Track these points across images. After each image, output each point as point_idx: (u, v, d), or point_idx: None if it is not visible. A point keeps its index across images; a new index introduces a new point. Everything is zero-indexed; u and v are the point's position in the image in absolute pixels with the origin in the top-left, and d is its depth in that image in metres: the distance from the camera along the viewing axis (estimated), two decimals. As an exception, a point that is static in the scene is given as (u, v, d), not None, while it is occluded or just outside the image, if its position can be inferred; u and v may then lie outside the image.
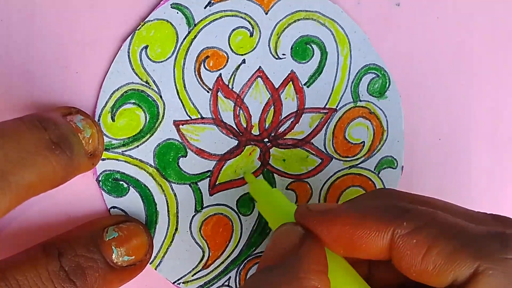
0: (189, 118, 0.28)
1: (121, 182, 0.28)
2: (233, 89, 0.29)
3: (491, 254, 0.19)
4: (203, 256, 0.29)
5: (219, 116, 0.29)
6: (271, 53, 0.29)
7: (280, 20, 0.29)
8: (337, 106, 0.30)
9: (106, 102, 0.27)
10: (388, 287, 0.24)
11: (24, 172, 0.22)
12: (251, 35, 0.29)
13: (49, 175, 0.23)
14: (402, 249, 0.20)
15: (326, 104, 0.30)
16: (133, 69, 0.27)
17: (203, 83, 0.28)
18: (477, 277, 0.19)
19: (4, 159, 0.22)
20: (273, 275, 0.21)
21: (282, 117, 0.29)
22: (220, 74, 0.28)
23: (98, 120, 0.27)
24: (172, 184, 0.28)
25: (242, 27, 0.28)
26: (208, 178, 0.29)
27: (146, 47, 0.27)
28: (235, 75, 0.29)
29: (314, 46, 0.29)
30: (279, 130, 0.29)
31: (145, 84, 0.28)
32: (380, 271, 0.24)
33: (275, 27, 0.29)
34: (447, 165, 0.32)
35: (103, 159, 0.27)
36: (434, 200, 0.23)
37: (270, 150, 0.29)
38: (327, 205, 0.23)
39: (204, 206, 0.29)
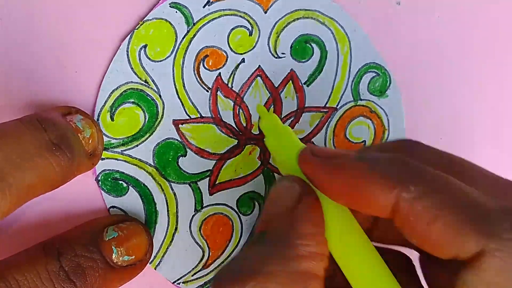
0: (188, 118, 0.28)
1: (120, 182, 0.28)
2: (233, 88, 0.29)
3: (500, 233, 0.17)
4: (203, 255, 0.29)
5: (218, 115, 0.29)
6: (270, 52, 0.29)
7: (280, 19, 0.29)
8: (337, 105, 0.30)
9: (105, 101, 0.27)
10: (391, 242, 0.22)
11: (24, 174, 0.22)
12: (250, 34, 0.28)
13: (49, 176, 0.23)
14: (406, 213, 0.18)
15: (326, 103, 0.30)
16: (132, 68, 0.27)
17: (203, 82, 0.28)
18: (482, 257, 0.17)
19: (4, 161, 0.22)
20: (266, 244, 0.19)
21: (282, 116, 0.29)
22: (220, 73, 0.28)
23: (97, 119, 0.27)
24: (171, 183, 0.28)
25: (241, 26, 0.28)
26: (208, 178, 0.29)
27: (145, 46, 0.27)
28: (234, 74, 0.29)
29: (313, 45, 0.29)
30: (279, 129, 0.29)
31: (144, 83, 0.27)
32: (384, 226, 0.22)
33: (274, 26, 0.29)
34: (448, 164, 0.32)
35: (102, 159, 0.27)
36: (459, 160, 0.21)
37: (270, 149, 0.29)
38: (333, 151, 0.21)
39: (204, 205, 0.29)
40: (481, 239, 0.17)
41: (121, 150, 0.28)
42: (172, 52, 0.28)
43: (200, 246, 0.29)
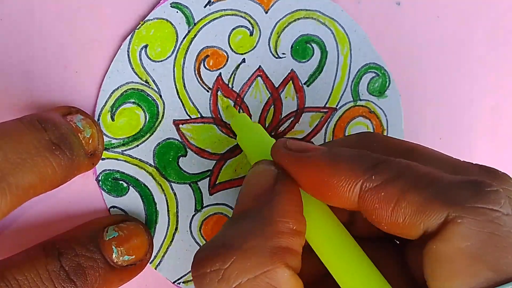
0: (189, 118, 0.28)
1: (120, 182, 0.28)
2: (233, 89, 0.29)
3: (461, 202, 0.18)
4: (203, 255, 0.29)
5: (219, 116, 0.29)
6: (271, 52, 0.29)
7: (280, 19, 0.29)
8: (337, 105, 0.30)
9: (106, 102, 0.27)
10: (372, 234, 0.23)
11: (24, 173, 0.22)
12: (251, 34, 0.28)
13: (49, 176, 0.23)
14: (370, 202, 0.19)
15: (326, 103, 0.30)
16: (132, 68, 0.27)
17: (203, 82, 0.28)
18: (446, 226, 0.18)
19: (4, 161, 0.22)
20: (246, 222, 0.20)
21: (282, 116, 0.29)
22: (220, 74, 0.28)
23: (98, 119, 0.27)
24: (172, 183, 0.28)
25: (242, 26, 0.28)
26: (208, 178, 0.29)
27: (145, 46, 0.27)
28: (235, 75, 0.29)
29: (314, 45, 0.29)
30: (279, 129, 0.29)
31: (145, 83, 0.27)
32: (362, 219, 0.22)
33: (275, 26, 0.29)
34: (447, 164, 0.32)
35: (103, 159, 0.27)
36: (418, 147, 0.22)
37: (270, 149, 0.29)
38: (305, 145, 0.21)
39: (204, 205, 0.29)
40: (443, 209, 0.18)
41: (122, 150, 0.28)
42: (172, 52, 0.28)
43: (200, 246, 0.29)
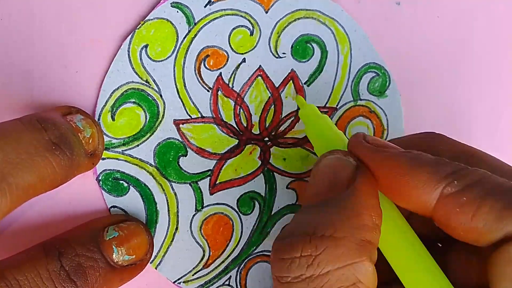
0: (189, 117, 0.28)
1: (121, 182, 0.28)
2: (233, 88, 0.29)
3: None
4: (204, 255, 0.29)
5: (219, 115, 0.29)
6: (271, 52, 0.29)
7: (280, 19, 0.29)
8: (337, 105, 0.30)
9: (106, 101, 0.27)
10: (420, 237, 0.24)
11: (24, 173, 0.22)
12: (251, 34, 0.28)
13: (49, 176, 0.23)
14: (451, 207, 0.19)
15: (326, 103, 0.30)
16: (133, 68, 0.27)
17: (203, 82, 0.28)
18: None
19: (4, 161, 0.22)
20: (329, 211, 0.20)
21: (283, 116, 0.29)
22: (220, 73, 0.28)
23: (98, 119, 0.27)
24: (172, 183, 0.28)
25: (242, 26, 0.28)
26: (209, 177, 0.29)
27: (146, 46, 0.27)
28: (235, 74, 0.29)
29: (314, 45, 0.29)
30: (280, 129, 0.29)
31: (145, 83, 0.27)
32: (417, 223, 0.23)
33: (275, 26, 0.29)
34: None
35: (103, 159, 0.27)
36: (480, 153, 0.23)
37: (271, 149, 0.29)
38: (383, 142, 0.22)
39: (204, 205, 0.29)
40: None
41: (122, 150, 0.28)
42: (173, 52, 0.28)
43: (200, 245, 0.29)
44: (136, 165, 0.28)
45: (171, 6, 0.27)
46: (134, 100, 0.27)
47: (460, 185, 0.20)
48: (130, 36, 0.27)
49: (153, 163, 0.28)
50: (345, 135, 0.30)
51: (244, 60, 0.29)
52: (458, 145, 0.24)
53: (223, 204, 0.29)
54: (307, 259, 0.19)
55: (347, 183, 0.21)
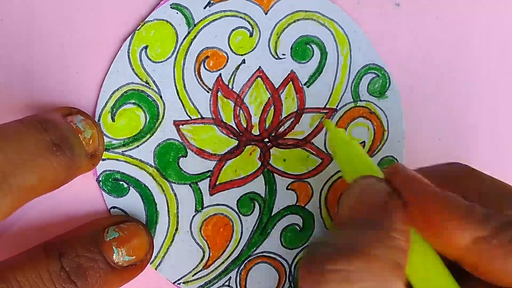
0: (189, 118, 0.28)
1: (121, 182, 0.28)
2: (233, 89, 0.29)
3: None
4: (204, 256, 0.29)
5: (219, 116, 0.29)
6: (271, 53, 0.29)
7: (280, 20, 0.29)
8: (337, 106, 0.30)
9: (106, 102, 0.27)
10: None
11: (25, 174, 0.22)
12: (251, 35, 0.29)
13: (50, 177, 0.23)
14: (483, 251, 0.20)
15: (326, 104, 0.30)
16: (133, 69, 0.27)
17: (203, 83, 0.28)
18: None
19: (5, 161, 0.22)
20: (364, 230, 0.20)
21: (283, 117, 0.29)
22: (220, 74, 0.28)
23: (98, 120, 0.27)
24: (172, 184, 0.28)
25: (241, 27, 0.28)
26: (209, 178, 0.29)
27: (146, 47, 0.27)
28: (235, 75, 0.29)
29: (314, 46, 0.29)
30: (280, 130, 0.29)
31: (145, 84, 0.28)
32: None
33: (274, 27, 0.29)
34: (448, 164, 0.32)
35: (103, 159, 0.27)
36: (510, 190, 0.23)
37: (271, 150, 0.29)
38: (418, 175, 0.22)
39: (204, 206, 0.29)
40: None
41: (122, 151, 0.28)
42: (173, 53, 0.28)
43: (200, 246, 0.29)
44: (136, 166, 0.28)
45: (171, 7, 0.27)
46: (134, 101, 0.27)
47: (492, 229, 0.20)
48: (130, 37, 0.27)
49: (153, 164, 0.28)
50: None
51: (243, 61, 0.29)
52: (487, 180, 0.23)
53: (223, 205, 0.29)
54: (339, 273, 0.19)
55: (383, 206, 0.21)
